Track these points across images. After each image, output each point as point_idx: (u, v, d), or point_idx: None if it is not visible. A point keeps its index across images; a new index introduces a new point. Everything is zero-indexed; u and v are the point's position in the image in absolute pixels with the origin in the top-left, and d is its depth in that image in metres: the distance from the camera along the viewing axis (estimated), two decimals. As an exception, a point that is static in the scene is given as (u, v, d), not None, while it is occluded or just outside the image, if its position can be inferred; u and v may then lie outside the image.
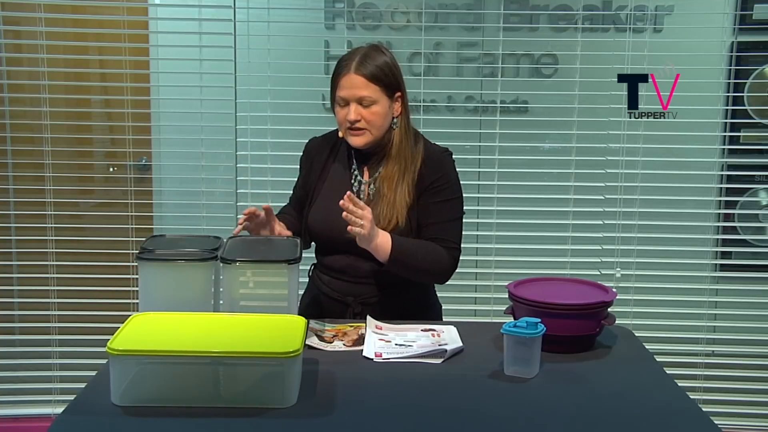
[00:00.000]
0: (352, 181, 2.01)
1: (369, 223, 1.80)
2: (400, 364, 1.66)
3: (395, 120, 1.98)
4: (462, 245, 2.00)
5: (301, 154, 2.13)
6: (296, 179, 2.16)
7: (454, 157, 2.04)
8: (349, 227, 1.79)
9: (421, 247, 1.92)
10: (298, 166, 2.14)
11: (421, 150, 1.99)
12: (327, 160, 2.06)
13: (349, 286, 1.98)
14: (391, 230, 1.90)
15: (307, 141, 2.14)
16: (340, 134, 1.98)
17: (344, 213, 1.79)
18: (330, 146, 2.07)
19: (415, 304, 2.03)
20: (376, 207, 1.93)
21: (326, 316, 1.96)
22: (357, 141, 1.95)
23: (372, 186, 1.99)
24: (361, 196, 1.98)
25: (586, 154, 3.10)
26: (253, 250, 1.80)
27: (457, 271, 3.12)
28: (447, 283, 3.09)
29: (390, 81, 1.94)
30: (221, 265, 1.68)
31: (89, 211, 3.27)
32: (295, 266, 1.68)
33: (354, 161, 2.03)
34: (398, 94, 1.97)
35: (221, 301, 1.74)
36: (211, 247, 1.74)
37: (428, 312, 2.06)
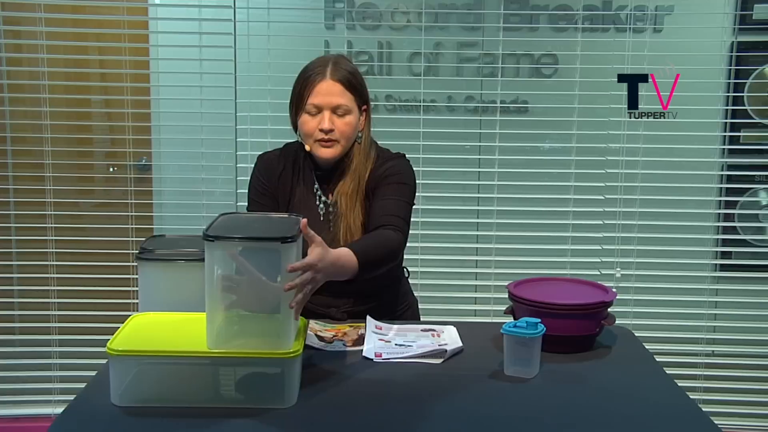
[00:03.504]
0: (317, 202, 1.93)
1: (312, 273, 1.46)
2: (400, 364, 1.65)
3: (359, 134, 1.90)
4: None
5: (255, 172, 1.96)
6: (250, 202, 1.96)
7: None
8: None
9: (372, 240, 1.74)
10: (252, 186, 1.96)
11: (373, 157, 1.91)
12: (291, 182, 1.94)
13: (329, 300, 1.93)
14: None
15: (258, 156, 1.98)
16: (307, 147, 1.87)
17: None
18: (291, 165, 1.94)
19: (396, 307, 2.02)
20: (336, 226, 1.87)
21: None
22: (327, 153, 1.85)
23: (336, 205, 1.90)
24: (330, 218, 1.91)
25: (586, 154, 3.10)
26: (246, 228, 1.55)
27: (457, 271, 3.17)
28: (448, 283, 3.10)
29: (362, 91, 1.88)
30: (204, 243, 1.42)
31: (89, 211, 3.27)
32: (291, 245, 1.41)
33: (316, 180, 1.93)
34: (365, 107, 1.90)
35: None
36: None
37: (408, 312, 2.06)
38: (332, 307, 1.95)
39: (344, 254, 1.60)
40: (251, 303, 1.51)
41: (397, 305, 2.03)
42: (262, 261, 1.50)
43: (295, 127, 1.92)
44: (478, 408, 1.46)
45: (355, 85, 1.85)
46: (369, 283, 1.91)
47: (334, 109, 1.83)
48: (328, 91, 1.82)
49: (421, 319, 2.09)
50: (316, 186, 1.94)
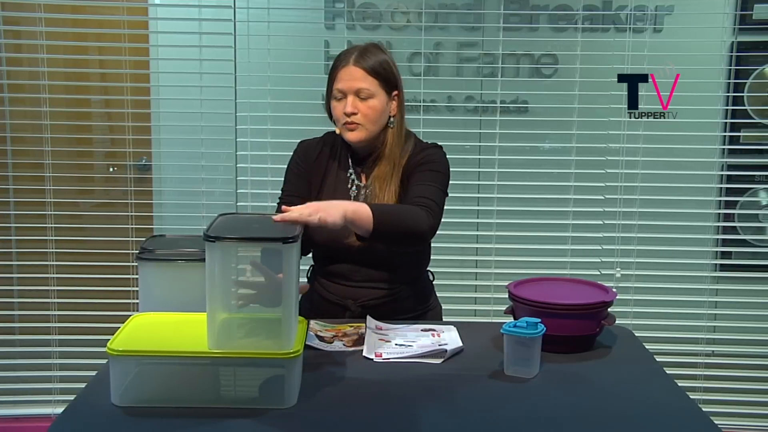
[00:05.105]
0: (349, 185, 1.99)
1: (312, 208, 1.55)
2: (400, 364, 1.66)
3: (391, 119, 1.96)
4: (443, 217, 1.88)
5: (294, 155, 2.04)
6: (285, 182, 2.03)
7: (447, 154, 2.01)
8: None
9: (399, 209, 1.83)
10: (289, 168, 2.03)
11: (410, 148, 1.97)
12: (327, 165, 2.02)
13: (348, 290, 1.96)
14: None
15: (299, 142, 2.06)
16: (337, 131, 1.96)
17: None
18: (328, 150, 2.03)
19: (415, 307, 2.02)
20: None
21: (325, 318, 1.95)
22: (353, 136, 1.92)
23: (368, 189, 1.96)
24: (361, 201, 1.95)
25: (586, 154, 3.10)
26: (246, 228, 1.54)
27: (457, 271, 3.17)
28: (448, 283, 3.09)
29: (389, 77, 1.93)
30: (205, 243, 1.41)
31: (89, 211, 3.27)
32: (292, 245, 1.42)
33: (350, 164, 2.01)
34: (395, 92, 1.95)
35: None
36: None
37: (428, 314, 2.06)
38: (349, 298, 1.96)
39: (352, 202, 1.73)
40: (265, 300, 1.57)
41: (417, 306, 2.03)
42: (263, 261, 1.55)
43: (330, 115, 1.99)
44: (478, 408, 1.46)
45: (379, 70, 1.91)
46: (390, 269, 1.95)
47: (357, 92, 1.89)
48: (350, 76, 1.89)
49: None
50: (350, 171, 1.99)
